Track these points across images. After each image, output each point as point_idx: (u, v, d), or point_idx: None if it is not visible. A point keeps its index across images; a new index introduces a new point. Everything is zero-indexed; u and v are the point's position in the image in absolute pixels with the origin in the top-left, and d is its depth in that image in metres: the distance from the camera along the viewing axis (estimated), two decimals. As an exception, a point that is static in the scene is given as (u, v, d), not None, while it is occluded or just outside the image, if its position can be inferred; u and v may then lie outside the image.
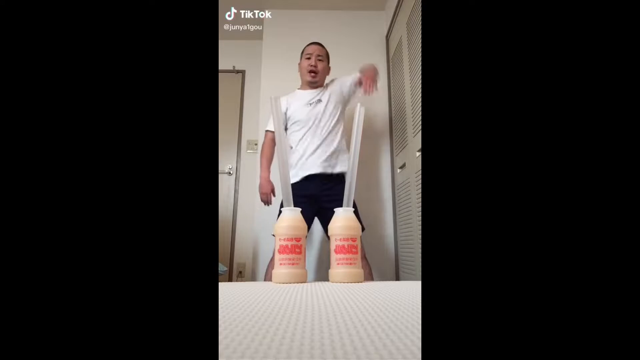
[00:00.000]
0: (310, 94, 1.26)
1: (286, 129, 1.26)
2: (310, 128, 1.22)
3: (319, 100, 1.24)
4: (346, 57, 1.63)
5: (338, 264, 0.43)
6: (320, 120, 1.22)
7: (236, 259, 1.90)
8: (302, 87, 1.31)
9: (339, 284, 0.40)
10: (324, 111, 1.23)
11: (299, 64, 1.32)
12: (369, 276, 1.13)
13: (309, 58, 1.26)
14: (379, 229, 1.56)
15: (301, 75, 1.28)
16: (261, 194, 1.24)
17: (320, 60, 1.26)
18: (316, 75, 1.26)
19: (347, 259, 0.42)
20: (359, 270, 0.43)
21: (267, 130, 1.32)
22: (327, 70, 1.30)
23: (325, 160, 1.18)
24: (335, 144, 1.21)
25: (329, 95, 1.25)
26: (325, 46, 1.32)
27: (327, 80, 1.31)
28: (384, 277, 1.50)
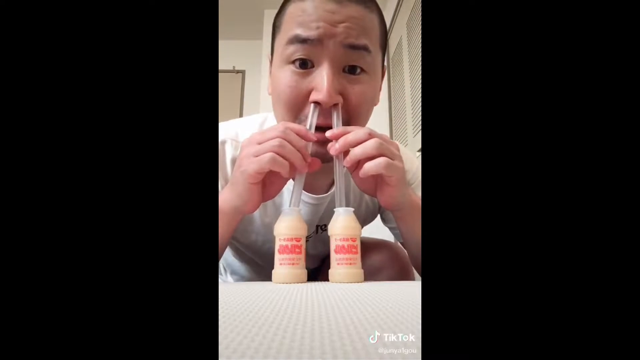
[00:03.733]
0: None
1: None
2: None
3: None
4: (346, 57, 1.62)
5: (338, 263, 0.43)
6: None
7: (236, 259, 1.89)
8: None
9: (338, 284, 0.40)
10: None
11: None
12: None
13: None
14: (379, 229, 1.55)
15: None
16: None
17: None
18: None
19: (347, 259, 0.42)
20: (359, 270, 0.43)
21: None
22: None
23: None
24: None
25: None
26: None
27: None
28: (384, 277, 1.50)
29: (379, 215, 0.67)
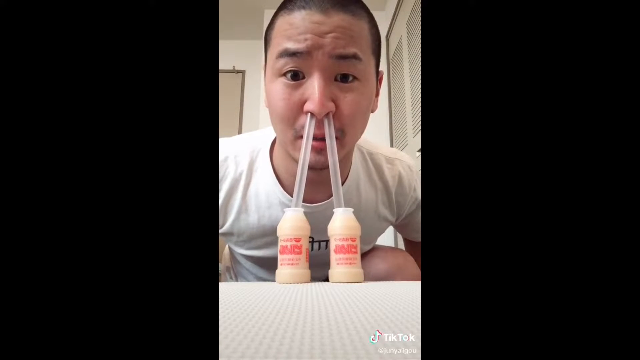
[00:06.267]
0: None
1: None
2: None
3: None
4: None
5: (337, 263, 0.43)
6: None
7: (236, 259, 1.89)
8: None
9: (338, 284, 0.40)
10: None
11: None
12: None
13: None
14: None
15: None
16: None
17: None
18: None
19: (346, 258, 0.42)
20: (358, 270, 0.43)
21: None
22: None
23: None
24: None
25: None
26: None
27: None
28: (383, 277, 1.50)
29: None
